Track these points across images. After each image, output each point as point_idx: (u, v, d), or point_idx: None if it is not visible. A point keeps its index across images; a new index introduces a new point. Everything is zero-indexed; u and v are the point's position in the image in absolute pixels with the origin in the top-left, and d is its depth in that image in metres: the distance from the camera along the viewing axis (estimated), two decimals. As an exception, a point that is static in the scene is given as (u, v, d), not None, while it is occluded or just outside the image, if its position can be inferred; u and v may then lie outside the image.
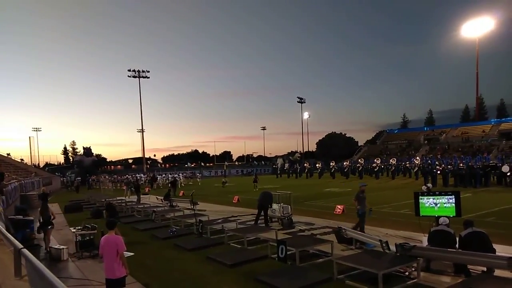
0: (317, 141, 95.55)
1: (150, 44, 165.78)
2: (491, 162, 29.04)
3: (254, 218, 13.69)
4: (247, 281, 7.15)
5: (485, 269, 6.60)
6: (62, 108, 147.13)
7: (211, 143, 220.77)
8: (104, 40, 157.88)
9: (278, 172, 55.28)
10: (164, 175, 48.93)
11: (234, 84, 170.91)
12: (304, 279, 6.89)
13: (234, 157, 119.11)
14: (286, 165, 58.05)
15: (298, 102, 77.22)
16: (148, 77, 62.27)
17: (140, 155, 71.56)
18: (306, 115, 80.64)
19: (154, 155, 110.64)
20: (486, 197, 18.73)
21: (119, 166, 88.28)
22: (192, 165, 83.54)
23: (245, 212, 16.56)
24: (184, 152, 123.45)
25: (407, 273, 7.04)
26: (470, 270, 6.81)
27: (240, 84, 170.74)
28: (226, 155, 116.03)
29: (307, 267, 7.86)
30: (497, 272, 6.37)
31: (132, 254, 9.39)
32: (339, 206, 15.54)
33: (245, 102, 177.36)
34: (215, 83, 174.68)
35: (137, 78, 61.29)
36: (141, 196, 23.99)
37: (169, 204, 20.30)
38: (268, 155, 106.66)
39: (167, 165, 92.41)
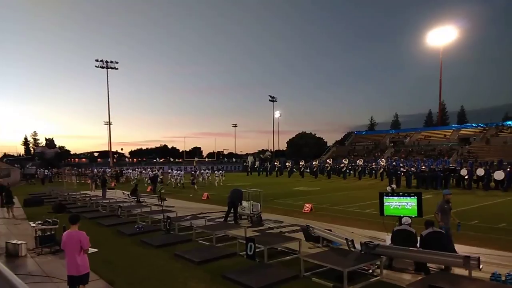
0: (288, 140, 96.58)
1: (120, 34, 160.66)
2: (451, 165, 30.48)
3: (224, 215, 13.65)
4: (214, 278, 7.12)
5: (443, 267, 6.92)
6: (23, 96, 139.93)
7: (181, 139, 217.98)
8: (71, 27, 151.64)
9: (249, 169, 55.39)
10: (137, 170, 47.52)
11: (205, 80, 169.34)
12: (271, 276, 6.95)
13: (204, 154, 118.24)
14: (257, 163, 58.24)
15: (269, 100, 77.77)
16: (117, 68, 60.54)
17: (106, 148, 69.62)
18: (277, 114, 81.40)
19: (122, 149, 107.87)
20: (445, 199, 19.64)
21: (83, 159, 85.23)
22: (161, 160, 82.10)
23: (215, 209, 16.49)
24: (153, 146, 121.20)
25: (370, 271, 7.26)
26: (430, 268, 7.14)
27: (212, 80, 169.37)
28: (196, 151, 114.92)
29: (275, 264, 7.94)
30: (454, 270, 6.71)
31: (96, 250, 9.11)
32: (307, 205, 15.78)
33: (217, 99, 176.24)
34: (186, 78, 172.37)
35: (105, 69, 59.43)
36: (107, 191, 23.32)
37: (136, 199, 19.85)
38: (239, 153, 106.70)
39: (135, 159, 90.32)
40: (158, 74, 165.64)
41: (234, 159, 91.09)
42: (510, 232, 10.75)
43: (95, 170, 46.24)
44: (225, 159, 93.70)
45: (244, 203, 13.56)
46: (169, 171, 37.25)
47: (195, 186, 27.24)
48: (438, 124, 77.29)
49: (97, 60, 59.00)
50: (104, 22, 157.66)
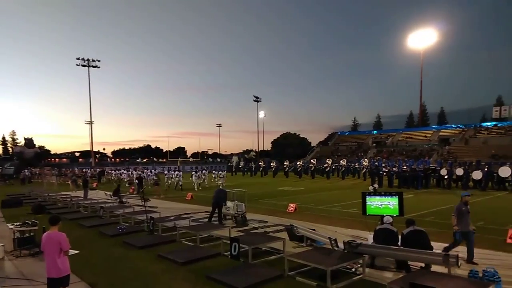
0: (272, 140, 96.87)
1: (102, 32, 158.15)
2: (431, 165, 31.14)
3: (208, 215, 13.59)
4: (198, 278, 7.09)
5: (423, 265, 7.08)
6: (1, 94, 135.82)
7: (165, 138, 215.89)
8: (52, 25, 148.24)
9: (233, 169, 55.29)
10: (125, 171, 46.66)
11: (190, 79, 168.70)
12: (255, 276, 6.96)
13: (189, 154, 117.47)
14: (241, 163, 58.24)
15: (254, 101, 77.87)
16: (99, 67, 59.61)
17: (88, 148, 68.31)
18: (262, 114, 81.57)
19: (104, 149, 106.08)
20: (426, 198, 20.08)
21: (64, 159, 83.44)
22: (144, 160, 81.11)
23: (199, 210, 16.40)
24: (136, 146, 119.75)
25: (353, 269, 7.37)
26: (410, 266, 7.29)
27: (196, 79, 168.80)
28: (180, 151, 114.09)
29: (259, 264, 7.96)
30: (434, 268, 6.87)
31: (77, 252, 8.93)
32: (291, 205, 15.87)
33: (201, 98, 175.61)
34: (170, 77, 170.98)
35: (87, 67, 58.34)
36: (89, 191, 22.88)
37: (118, 200, 19.54)
38: (224, 153, 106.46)
39: (118, 159, 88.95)
40: (141, 73, 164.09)
41: (218, 159, 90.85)
42: (487, 230, 11.06)
43: (76, 170, 45.29)
44: (210, 159, 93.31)
45: (229, 203, 13.53)
46: (166, 172, 33.49)
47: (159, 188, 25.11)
48: (419, 125, 78.89)
49: (78, 59, 57.91)
50: (86, 21, 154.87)
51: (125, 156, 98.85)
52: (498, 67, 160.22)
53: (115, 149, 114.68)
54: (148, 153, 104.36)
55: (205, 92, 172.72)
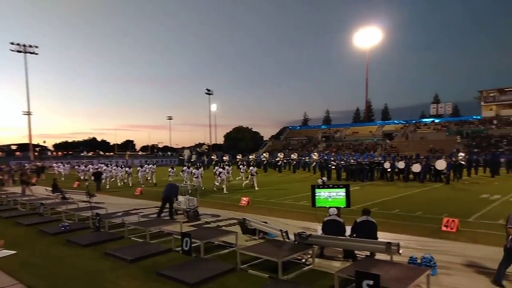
0: (225, 133, 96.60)
1: (41, 17, 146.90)
2: (376, 159, 32.82)
3: (158, 210, 13.24)
4: (148, 275, 6.89)
5: (369, 253, 7.46)
6: None
7: (112, 131, 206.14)
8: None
9: (185, 163, 54.41)
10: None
11: (139, 69, 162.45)
12: (208, 270, 6.91)
13: (138, 147, 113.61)
14: (193, 157, 57.40)
15: (206, 93, 76.90)
16: (37, 53, 55.35)
17: (26, 140, 63.41)
18: (214, 107, 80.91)
19: (44, 142, 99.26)
20: (371, 190, 21.17)
21: (0, 153, 76.82)
22: (89, 154, 77.10)
23: (148, 205, 15.92)
24: (81, 139, 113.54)
25: (303, 260, 7.58)
26: (357, 255, 7.66)
27: (146, 70, 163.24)
28: (129, 144, 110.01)
29: (211, 258, 7.91)
30: (378, 256, 7.26)
31: (14, 252, 8.28)
32: (244, 198, 15.95)
33: (151, 90, 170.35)
34: (118, 67, 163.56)
35: (23, 53, 53.97)
36: (28, 187, 21.28)
37: (61, 196, 18.40)
38: (175, 146, 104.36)
39: (60, 153, 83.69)
40: (86, 61, 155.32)
41: (169, 153, 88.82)
42: (425, 219, 11.91)
43: (13, 164, 41.98)
44: (160, 153, 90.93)
45: (180, 198, 13.29)
46: (139, 167, 28.96)
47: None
48: (365, 120, 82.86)
49: (12, 43, 53.29)
50: (23, 4, 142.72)
51: (68, 149, 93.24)
52: (435, 66, 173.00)
53: (57, 142, 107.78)
54: (94, 146, 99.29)
55: (155, 84, 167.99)
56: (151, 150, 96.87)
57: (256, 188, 21.83)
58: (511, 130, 55.14)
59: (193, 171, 22.95)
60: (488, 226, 10.68)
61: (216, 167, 23.93)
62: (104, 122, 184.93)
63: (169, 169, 26.41)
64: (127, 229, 10.38)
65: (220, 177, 21.74)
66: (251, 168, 24.24)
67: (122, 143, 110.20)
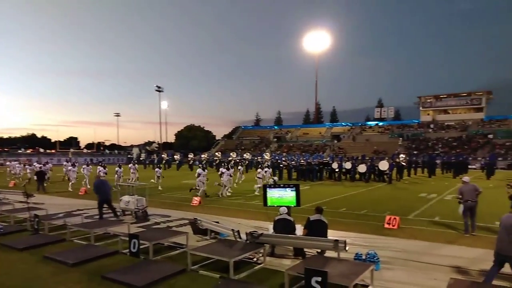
0: (176, 132, 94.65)
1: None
2: (325, 159, 34.03)
3: (98, 215, 12.44)
4: (92, 279, 6.54)
5: (319, 251, 7.70)
6: None
7: (54, 127, 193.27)
8: None
9: (134, 162, 52.50)
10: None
11: (83, 62, 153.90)
12: (156, 272, 6.72)
13: (82, 144, 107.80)
14: (143, 155, 55.59)
15: (156, 90, 74.77)
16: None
17: (-48, 135, 57.40)
18: (165, 105, 79.05)
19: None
20: (320, 189, 21.88)
21: None
22: (28, 151, 71.68)
23: (94, 205, 15.05)
24: (18, 135, 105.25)
25: (255, 259, 7.63)
26: (307, 253, 7.86)
27: (91, 63, 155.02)
28: (72, 141, 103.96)
29: (161, 260, 7.70)
30: (327, 253, 7.52)
31: None
32: (195, 198, 15.73)
33: (96, 85, 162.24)
34: (60, 59, 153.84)
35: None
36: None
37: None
38: (123, 144, 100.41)
39: (-7, 149, 76.81)
40: (21, 51, 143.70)
41: (117, 151, 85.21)
42: (369, 217, 12.55)
43: None
44: (107, 151, 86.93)
45: (128, 198, 12.78)
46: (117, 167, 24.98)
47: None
48: (315, 122, 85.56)
49: None
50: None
51: (3, 146, 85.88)
52: (380, 72, 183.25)
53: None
54: (33, 143, 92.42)
55: (101, 78, 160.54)
56: (97, 148, 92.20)
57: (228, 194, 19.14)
58: (445, 134, 59.98)
59: (198, 171, 18.51)
60: (425, 223, 11.51)
61: (220, 168, 21.56)
62: (45, 118, 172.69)
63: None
64: (69, 231, 9.77)
65: (223, 178, 18.66)
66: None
67: (65, 140, 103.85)
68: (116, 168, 23.71)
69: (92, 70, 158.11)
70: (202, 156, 46.86)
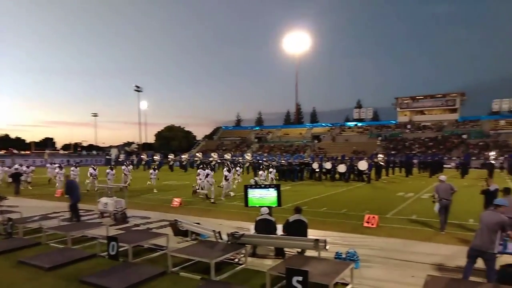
0: (156, 132, 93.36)
1: None
2: (305, 160, 34.36)
3: (75, 218, 12.19)
4: (70, 284, 6.37)
5: (300, 250, 7.76)
6: None
7: (29, 127, 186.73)
8: None
9: (113, 163, 51.44)
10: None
11: (61, 61, 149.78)
12: (136, 275, 6.61)
13: (59, 145, 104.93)
14: (122, 156, 54.60)
15: (135, 90, 73.53)
16: None
17: None
18: (144, 105, 77.90)
19: None
20: (301, 189, 22.04)
21: None
22: (1, 152, 69.13)
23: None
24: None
25: (236, 260, 7.62)
26: (288, 252, 7.91)
27: (68, 61, 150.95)
28: (48, 142, 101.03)
29: (140, 263, 7.58)
30: (308, 252, 7.59)
31: None
32: (176, 199, 15.56)
33: (73, 84, 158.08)
34: (33, 57, 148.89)
35: None
36: None
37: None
38: (101, 145, 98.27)
39: (-37, 151, 73.70)
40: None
41: (95, 152, 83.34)
42: (349, 216, 12.73)
43: None
44: (84, 152, 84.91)
45: (106, 199, 12.53)
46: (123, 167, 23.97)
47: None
48: (295, 122, 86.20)
49: None
50: None
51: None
52: (359, 74, 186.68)
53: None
54: (7, 143, 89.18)
55: (78, 77, 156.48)
56: (74, 149, 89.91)
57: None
58: (422, 134, 61.56)
59: (205, 171, 17.96)
60: (403, 221, 11.78)
61: (225, 170, 20.97)
62: (19, 117, 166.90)
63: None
64: (45, 234, 9.49)
65: (227, 180, 18.30)
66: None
67: (40, 140, 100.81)
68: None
69: (70, 69, 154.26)
70: (183, 156, 46.41)
